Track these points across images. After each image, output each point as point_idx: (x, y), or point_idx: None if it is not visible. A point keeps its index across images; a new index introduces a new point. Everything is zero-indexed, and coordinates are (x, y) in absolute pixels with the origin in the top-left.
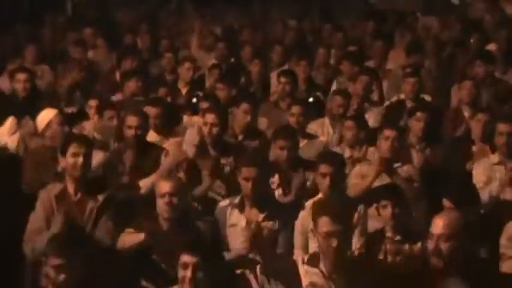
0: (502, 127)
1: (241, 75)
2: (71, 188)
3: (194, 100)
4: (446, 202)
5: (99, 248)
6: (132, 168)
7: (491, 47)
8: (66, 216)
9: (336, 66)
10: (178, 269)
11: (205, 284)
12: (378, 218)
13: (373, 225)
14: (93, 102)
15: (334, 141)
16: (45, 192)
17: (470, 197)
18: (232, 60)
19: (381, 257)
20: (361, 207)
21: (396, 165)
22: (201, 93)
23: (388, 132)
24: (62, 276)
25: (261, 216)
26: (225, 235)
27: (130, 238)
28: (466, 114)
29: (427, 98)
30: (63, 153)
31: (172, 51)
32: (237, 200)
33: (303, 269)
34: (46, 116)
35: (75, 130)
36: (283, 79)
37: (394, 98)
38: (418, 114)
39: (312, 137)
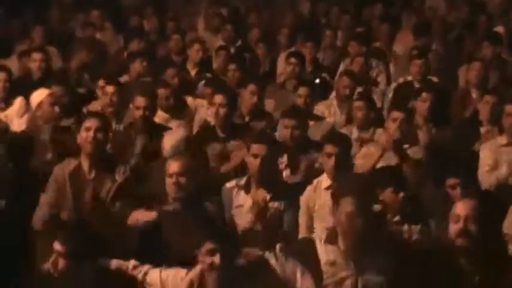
0: (510, 108)
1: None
2: (85, 165)
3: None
4: (450, 181)
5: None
6: (141, 149)
7: (499, 29)
8: (77, 196)
9: (342, 48)
10: (203, 256)
11: (231, 268)
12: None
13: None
14: (102, 83)
15: (342, 122)
16: (59, 168)
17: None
18: (240, 42)
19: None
20: None
21: (404, 146)
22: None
23: (396, 114)
24: (62, 262)
25: (268, 196)
26: (231, 216)
27: (141, 215)
28: (474, 95)
29: (435, 79)
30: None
31: (179, 33)
32: (243, 181)
33: (322, 247)
34: (38, 96)
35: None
36: (292, 60)
37: (401, 80)
38: (424, 95)
39: (319, 118)
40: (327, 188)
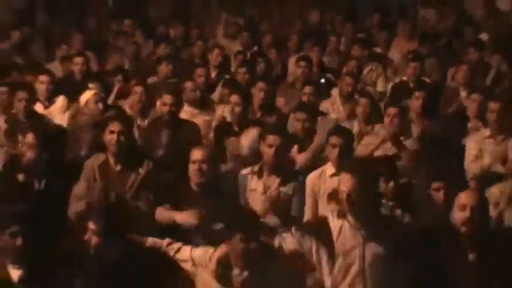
0: (492, 105)
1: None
2: (111, 160)
3: None
4: (435, 185)
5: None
6: (168, 143)
7: (483, 36)
8: (105, 186)
9: (346, 52)
10: (232, 242)
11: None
12: None
13: None
14: (132, 83)
15: (344, 117)
16: (89, 162)
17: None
18: (256, 48)
19: None
20: None
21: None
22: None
23: (391, 110)
24: (95, 239)
25: (277, 181)
26: (246, 199)
27: (181, 217)
28: (463, 94)
29: (427, 80)
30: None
31: (202, 39)
32: (256, 167)
33: (332, 223)
34: (85, 96)
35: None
36: (301, 63)
37: (397, 80)
38: (417, 93)
39: (324, 114)
40: (332, 175)
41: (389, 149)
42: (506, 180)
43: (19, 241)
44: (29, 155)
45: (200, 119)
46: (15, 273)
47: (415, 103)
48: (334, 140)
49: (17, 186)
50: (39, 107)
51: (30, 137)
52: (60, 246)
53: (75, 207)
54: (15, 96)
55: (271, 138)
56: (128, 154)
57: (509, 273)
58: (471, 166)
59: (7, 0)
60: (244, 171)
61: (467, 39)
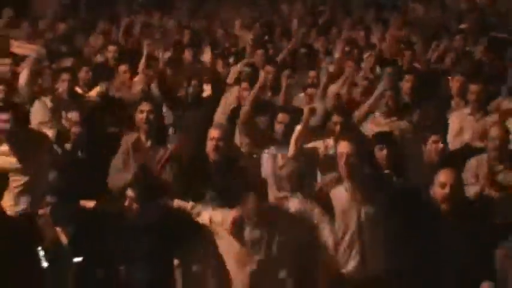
0: (472, 87)
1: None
2: (143, 137)
3: None
4: (433, 137)
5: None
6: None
7: (464, 26)
8: (138, 160)
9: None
10: (242, 204)
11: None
12: None
13: None
14: None
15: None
16: (125, 138)
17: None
18: (266, 37)
19: None
20: None
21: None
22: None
23: (388, 93)
24: (135, 205)
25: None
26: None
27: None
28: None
29: (417, 65)
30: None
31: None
32: (272, 149)
33: (333, 192)
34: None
35: None
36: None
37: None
38: (407, 76)
39: None
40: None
41: (384, 124)
42: (483, 153)
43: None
44: (74, 129)
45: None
46: (63, 235)
47: (405, 85)
48: (335, 118)
49: (65, 154)
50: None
51: (74, 115)
52: (101, 209)
53: (118, 180)
54: (59, 78)
55: (281, 117)
56: (156, 131)
57: (483, 236)
58: (452, 140)
59: None
60: (264, 154)
61: (451, 30)
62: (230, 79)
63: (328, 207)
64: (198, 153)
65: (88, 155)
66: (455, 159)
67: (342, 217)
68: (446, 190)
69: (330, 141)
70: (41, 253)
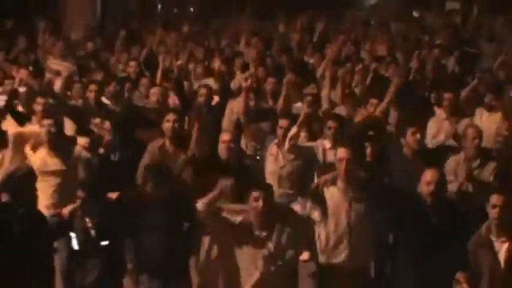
0: (446, 95)
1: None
2: (167, 143)
3: None
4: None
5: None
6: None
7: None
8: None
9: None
10: (250, 201)
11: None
12: None
13: None
14: None
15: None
16: (151, 144)
17: None
18: (268, 52)
19: None
20: None
21: None
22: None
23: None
24: (150, 186)
25: (291, 157)
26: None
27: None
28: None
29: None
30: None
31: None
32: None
33: (327, 190)
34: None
35: None
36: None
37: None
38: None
39: None
40: (329, 148)
41: None
42: (458, 152)
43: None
44: (107, 137)
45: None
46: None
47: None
48: (330, 123)
49: (99, 158)
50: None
51: (107, 124)
52: (130, 198)
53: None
54: (87, 89)
55: (281, 122)
56: (179, 138)
57: (463, 235)
58: (430, 141)
59: (84, 19)
60: (273, 142)
61: (429, 44)
62: (236, 89)
63: (322, 204)
64: (211, 155)
65: (120, 158)
66: (434, 156)
67: (333, 213)
68: (431, 187)
69: (326, 142)
70: (73, 238)
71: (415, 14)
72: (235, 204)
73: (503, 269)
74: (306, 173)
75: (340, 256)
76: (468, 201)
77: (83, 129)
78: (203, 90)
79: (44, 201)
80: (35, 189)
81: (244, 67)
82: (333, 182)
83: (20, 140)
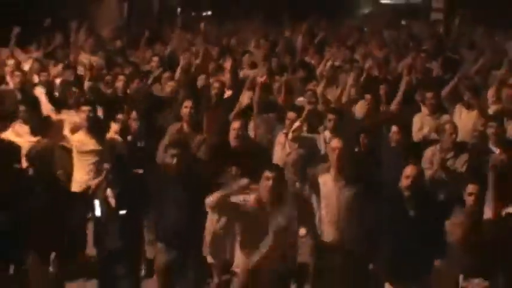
0: (428, 94)
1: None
2: (185, 126)
3: None
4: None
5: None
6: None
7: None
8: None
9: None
10: (263, 180)
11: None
12: None
13: None
14: None
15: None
16: (170, 127)
17: None
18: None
19: None
20: None
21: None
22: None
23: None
24: (175, 160)
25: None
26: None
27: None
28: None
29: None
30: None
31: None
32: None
33: (321, 177)
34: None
35: None
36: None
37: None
38: (382, 85)
39: None
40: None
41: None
42: (437, 144)
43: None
44: (134, 125)
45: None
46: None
47: (381, 90)
48: (330, 116)
49: (127, 143)
50: None
51: (134, 114)
52: (152, 174)
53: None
54: (116, 80)
55: (289, 114)
56: (195, 122)
57: (439, 225)
58: (416, 134)
59: (112, 20)
60: (282, 131)
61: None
62: (245, 85)
63: (316, 190)
64: (222, 141)
65: (145, 145)
66: (418, 148)
67: (325, 198)
68: (409, 181)
69: (327, 133)
70: (97, 206)
71: (404, 22)
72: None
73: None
74: (308, 161)
75: (331, 236)
76: (441, 188)
77: (112, 116)
78: (216, 85)
79: (81, 176)
80: (54, 161)
81: (252, 65)
82: (327, 170)
83: (58, 124)
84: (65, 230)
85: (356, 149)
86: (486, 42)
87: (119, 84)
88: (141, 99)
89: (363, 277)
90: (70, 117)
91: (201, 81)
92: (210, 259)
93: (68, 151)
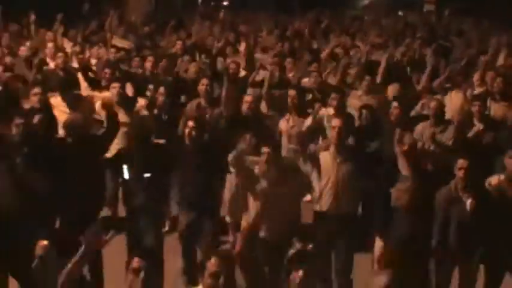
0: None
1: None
2: (202, 101)
3: None
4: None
5: None
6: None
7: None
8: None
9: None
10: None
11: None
12: None
13: None
14: None
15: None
16: (190, 103)
17: None
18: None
19: None
20: None
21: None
22: None
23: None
24: (192, 132)
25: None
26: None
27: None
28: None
29: None
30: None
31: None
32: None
33: (321, 154)
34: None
35: None
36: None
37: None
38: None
39: None
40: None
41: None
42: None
43: None
44: (160, 99)
45: None
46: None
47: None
48: (333, 95)
49: (154, 117)
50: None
51: (161, 89)
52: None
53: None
54: (145, 61)
55: (290, 91)
56: (212, 98)
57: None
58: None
59: (142, 8)
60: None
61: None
62: (258, 65)
63: (317, 166)
64: (237, 112)
65: (169, 118)
66: (412, 121)
67: (325, 172)
68: (406, 147)
69: (330, 110)
70: (125, 170)
71: (400, 13)
72: (254, 157)
73: (469, 218)
74: (311, 134)
75: (328, 204)
76: (429, 158)
77: (140, 92)
78: (232, 65)
79: (113, 145)
80: (89, 132)
81: (264, 49)
82: (326, 148)
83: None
84: (101, 192)
85: (358, 123)
86: (473, 31)
87: (148, 64)
88: (167, 78)
89: (356, 239)
90: (102, 94)
91: (220, 63)
92: (228, 218)
93: (101, 123)
